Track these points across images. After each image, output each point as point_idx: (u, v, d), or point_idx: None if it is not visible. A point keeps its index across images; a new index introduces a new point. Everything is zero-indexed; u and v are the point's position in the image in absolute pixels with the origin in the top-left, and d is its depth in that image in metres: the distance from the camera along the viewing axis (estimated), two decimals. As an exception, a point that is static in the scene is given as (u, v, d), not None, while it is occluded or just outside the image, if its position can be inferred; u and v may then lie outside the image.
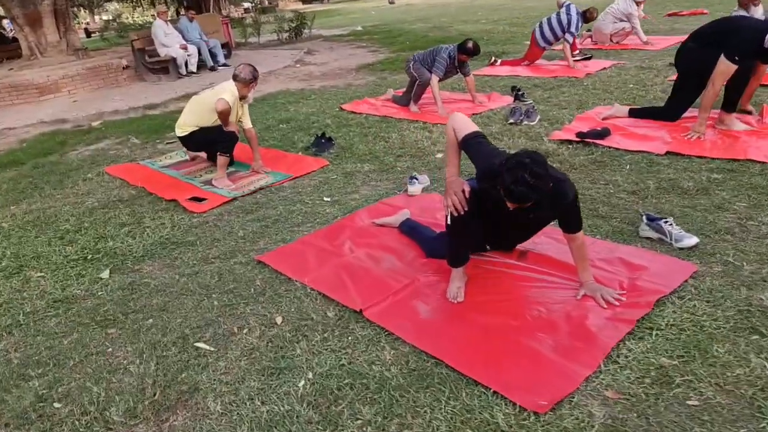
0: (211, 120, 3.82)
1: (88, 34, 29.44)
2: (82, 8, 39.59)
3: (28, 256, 3.04)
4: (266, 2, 42.31)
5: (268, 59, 10.47)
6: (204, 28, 9.77)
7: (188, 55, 9.00)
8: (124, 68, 9.10)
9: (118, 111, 7.02)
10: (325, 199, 3.39)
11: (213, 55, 9.48)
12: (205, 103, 3.84)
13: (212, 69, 9.36)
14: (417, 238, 2.66)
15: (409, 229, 2.76)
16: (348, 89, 6.87)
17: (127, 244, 3.03)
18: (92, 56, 9.68)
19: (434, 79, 5.06)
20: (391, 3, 28.57)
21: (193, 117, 3.95)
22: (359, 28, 15.62)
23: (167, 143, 5.26)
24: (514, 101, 5.14)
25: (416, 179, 3.26)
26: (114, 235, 3.18)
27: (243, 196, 3.62)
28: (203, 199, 3.62)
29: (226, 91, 3.72)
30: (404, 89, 5.64)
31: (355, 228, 2.93)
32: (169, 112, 6.71)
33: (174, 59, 8.81)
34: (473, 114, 4.87)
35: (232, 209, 3.43)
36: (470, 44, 4.99)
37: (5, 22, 17.98)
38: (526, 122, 4.37)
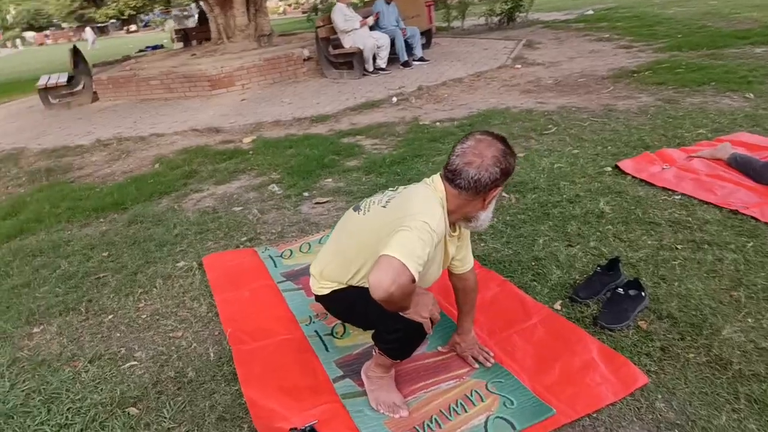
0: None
1: (317, 11, 29.79)
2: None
3: None
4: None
5: (474, 53, 8.08)
6: (403, 11, 7.78)
7: (378, 47, 7.09)
8: (305, 60, 7.59)
9: (280, 122, 5.35)
10: None
11: (409, 47, 7.44)
12: (363, 244, 1.55)
13: (405, 65, 7.33)
14: None
15: None
16: (610, 119, 4.17)
17: None
18: (276, 44, 8.40)
19: None
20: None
21: (340, 264, 1.65)
22: (590, 12, 12.28)
23: (316, 203, 3.28)
24: None
25: None
26: None
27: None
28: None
29: (415, 219, 1.36)
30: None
31: None
32: (337, 132, 4.79)
33: (360, 51, 6.96)
34: None
35: None
36: None
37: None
38: None
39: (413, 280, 1.27)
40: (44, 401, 1.80)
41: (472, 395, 1.64)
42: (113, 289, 2.50)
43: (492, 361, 1.77)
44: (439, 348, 1.89)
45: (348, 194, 3.33)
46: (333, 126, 5.06)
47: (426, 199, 1.45)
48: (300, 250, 2.65)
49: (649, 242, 2.34)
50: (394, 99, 5.77)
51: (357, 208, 1.66)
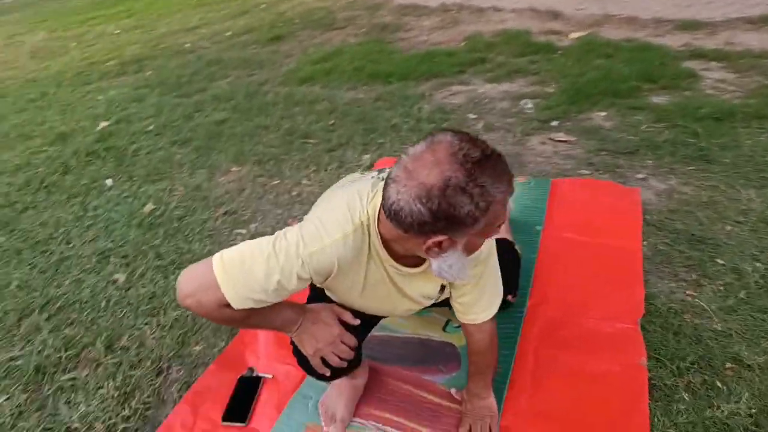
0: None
1: None
2: None
3: None
4: None
5: None
6: None
7: None
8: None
9: (634, 20, 4.14)
10: None
11: None
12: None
13: None
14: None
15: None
16: None
17: None
18: None
19: None
20: None
21: None
22: None
23: (549, 138, 2.53)
24: None
25: None
26: None
27: None
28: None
29: (294, 229, 0.92)
30: None
31: None
32: (690, 50, 3.41)
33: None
34: None
35: None
36: None
37: None
38: None
39: (227, 306, 0.89)
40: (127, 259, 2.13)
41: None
42: (301, 159, 2.64)
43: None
44: (453, 391, 1.32)
45: (601, 140, 2.44)
46: (696, 40, 3.60)
47: (338, 207, 0.93)
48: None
49: None
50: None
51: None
